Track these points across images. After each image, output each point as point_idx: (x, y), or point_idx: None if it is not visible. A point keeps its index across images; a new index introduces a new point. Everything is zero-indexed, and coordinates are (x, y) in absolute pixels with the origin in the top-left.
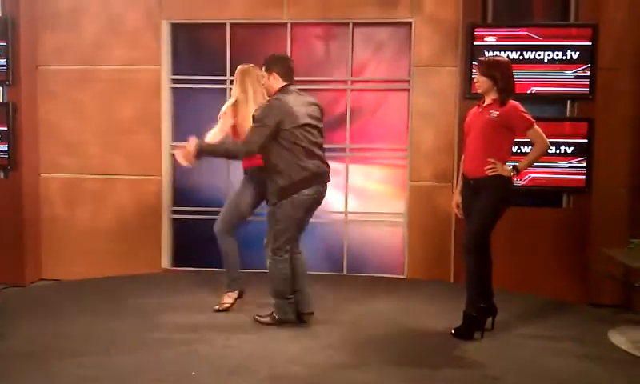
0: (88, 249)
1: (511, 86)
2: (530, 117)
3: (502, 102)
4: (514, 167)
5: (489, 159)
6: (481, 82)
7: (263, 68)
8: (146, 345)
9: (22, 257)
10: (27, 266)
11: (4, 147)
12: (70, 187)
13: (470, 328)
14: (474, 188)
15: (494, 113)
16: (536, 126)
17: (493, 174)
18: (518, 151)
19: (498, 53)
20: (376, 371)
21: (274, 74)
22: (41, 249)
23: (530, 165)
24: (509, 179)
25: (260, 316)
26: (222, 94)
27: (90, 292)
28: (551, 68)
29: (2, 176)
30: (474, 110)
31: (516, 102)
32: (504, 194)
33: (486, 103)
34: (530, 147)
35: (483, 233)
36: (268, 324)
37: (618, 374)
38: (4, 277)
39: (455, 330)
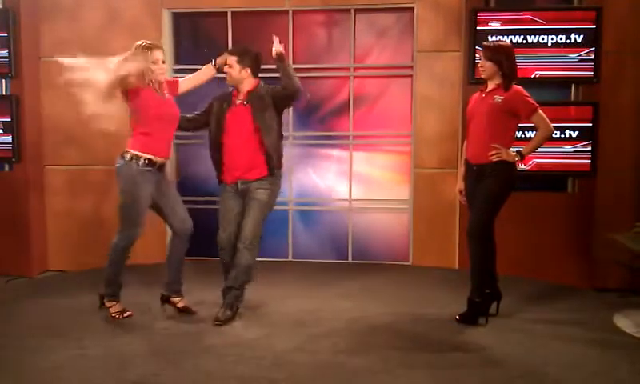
0: (93, 240)
1: (515, 71)
2: (533, 101)
3: (505, 86)
4: (519, 152)
5: (493, 145)
6: (486, 66)
7: (235, 58)
8: (150, 333)
9: (28, 248)
10: (33, 257)
11: (8, 139)
12: (75, 179)
13: (474, 314)
14: (477, 174)
15: (498, 98)
16: (540, 111)
17: (497, 159)
18: (522, 136)
19: (501, 37)
20: (380, 358)
21: (248, 69)
22: (47, 240)
23: (534, 150)
24: (513, 164)
25: (220, 320)
26: (224, 83)
27: (96, 283)
28: (555, 52)
29: (7, 168)
30: (477, 95)
31: (519, 87)
32: (508, 180)
33: (489, 88)
34: (534, 132)
35: (488, 218)
36: (230, 319)
37: (624, 358)
38: (11, 268)
39: (460, 315)
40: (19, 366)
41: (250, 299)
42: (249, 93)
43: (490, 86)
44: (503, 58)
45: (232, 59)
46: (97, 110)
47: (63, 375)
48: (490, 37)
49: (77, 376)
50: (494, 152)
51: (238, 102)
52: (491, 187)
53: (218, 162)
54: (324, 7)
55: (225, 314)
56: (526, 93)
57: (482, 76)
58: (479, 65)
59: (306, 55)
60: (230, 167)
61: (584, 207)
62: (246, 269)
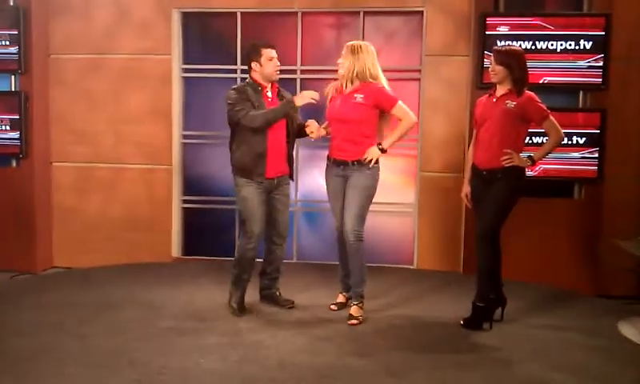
0: (99, 237)
1: (526, 76)
2: (545, 108)
3: (518, 92)
4: (530, 158)
5: (505, 150)
6: (497, 71)
7: (274, 51)
8: (155, 333)
9: (34, 244)
10: (39, 253)
11: (16, 135)
12: (81, 176)
13: (479, 318)
14: (487, 179)
15: (511, 103)
16: (551, 117)
17: (509, 164)
18: (530, 141)
19: (510, 42)
20: (384, 360)
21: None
22: (52, 237)
23: (545, 155)
24: (522, 170)
25: (289, 302)
26: (233, 83)
27: (101, 280)
28: (564, 58)
29: (14, 164)
30: (484, 99)
31: (532, 93)
32: (518, 185)
33: (499, 93)
34: (541, 137)
35: (497, 223)
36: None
37: (628, 366)
38: (16, 264)
39: (464, 320)
40: (22, 362)
41: (255, 300)
42: (279, 91)
43: (501, 90)
44: (514, 62)
45: (275, 53)
46: None
47: (66, 372)
48: (498, 42)
49: (80, 373)
50: (506, 157)
51: (270, 96)
52: (502, 192)
53: (262, 157)
54: (333, 9)
55: (286, 299)
56: (538, 99)
57: (493, 80)
58: (490, 69)
59: (314, 57)
60: (274, 161)
61: (590, 213)
62: (282, 259)
